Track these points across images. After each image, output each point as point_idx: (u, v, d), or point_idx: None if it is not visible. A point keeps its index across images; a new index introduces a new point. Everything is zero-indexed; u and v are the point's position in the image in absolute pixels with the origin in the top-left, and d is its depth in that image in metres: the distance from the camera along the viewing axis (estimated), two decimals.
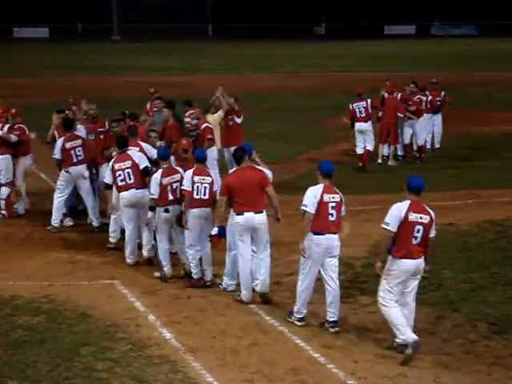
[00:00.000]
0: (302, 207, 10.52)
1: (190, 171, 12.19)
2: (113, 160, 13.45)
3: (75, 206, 15.82)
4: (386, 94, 21.15)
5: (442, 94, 22.85)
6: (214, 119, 17.45)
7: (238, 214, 11.37)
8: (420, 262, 9.88)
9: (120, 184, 13.19)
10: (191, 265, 12.20)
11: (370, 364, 9.59)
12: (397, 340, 9.89)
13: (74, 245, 14.32)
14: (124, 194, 13.17)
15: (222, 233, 11.62)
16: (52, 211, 15.18)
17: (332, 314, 10.62)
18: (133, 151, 13.49)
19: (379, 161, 21.05)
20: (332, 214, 10.48)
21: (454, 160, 21.83)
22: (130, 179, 13.17)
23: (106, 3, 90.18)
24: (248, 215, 11.28)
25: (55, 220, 15.18)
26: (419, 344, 9.68)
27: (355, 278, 12.36)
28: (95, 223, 15.23)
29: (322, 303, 10.71)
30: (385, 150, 21.31)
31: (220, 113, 17.67)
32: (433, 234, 10.06)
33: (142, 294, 11.83)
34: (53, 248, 14.13)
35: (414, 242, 9.81)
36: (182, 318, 10.95)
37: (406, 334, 9.74)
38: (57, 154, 15.13)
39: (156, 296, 11.80)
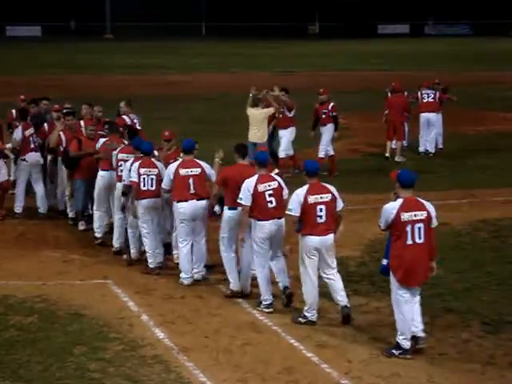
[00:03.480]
0: (238, 200, 11.03)
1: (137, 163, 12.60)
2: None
3: (83, 211, 15.26)
4: (389, 94, 21.97)
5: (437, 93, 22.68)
6: (261, 113, 18.59)
7: (230, 209, 11.50)
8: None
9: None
10: (147, 254, 12.62)
11: (364, 364, 9.57)
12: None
13: (66, 244, 14.28)
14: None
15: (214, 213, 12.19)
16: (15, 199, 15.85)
17: (282, 283, 11.20)
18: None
19: (387, 155, 21.47)
20: (271, 201, 10.97)
21: (448, 159, 21.83)
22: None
23: (98, 1, 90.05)
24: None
25: (17, 207, 15.81)
26: None
27: (348, 278, 12.31)
28: (41, 210, 15.78)
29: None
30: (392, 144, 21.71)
31: (270, 109, 18.65)
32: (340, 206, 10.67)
33: (135, 294, 11.80)
34: (46, 247, 14.10)
35: (319, 220, 10.35)
36: (176, 317, 10.93)
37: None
38: (16, 144, 15.72)
39: (149, 296, 11.77)
